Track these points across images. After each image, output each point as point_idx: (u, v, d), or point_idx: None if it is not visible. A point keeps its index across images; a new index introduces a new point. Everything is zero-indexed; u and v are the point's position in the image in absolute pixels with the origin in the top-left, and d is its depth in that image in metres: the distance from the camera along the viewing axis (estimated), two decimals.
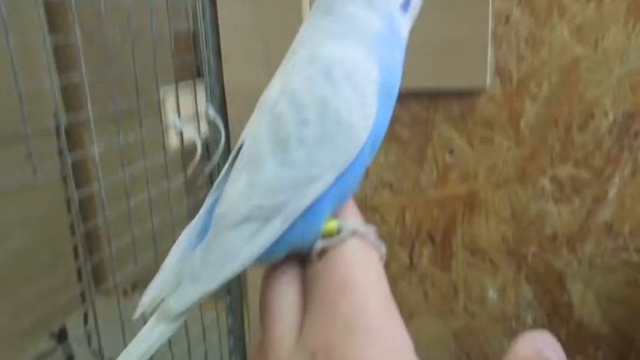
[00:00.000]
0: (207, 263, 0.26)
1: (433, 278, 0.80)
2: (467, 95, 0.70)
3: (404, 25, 0.30)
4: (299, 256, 0.28)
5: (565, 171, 0.69)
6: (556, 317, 0.75)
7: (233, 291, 0.91)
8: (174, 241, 0.29)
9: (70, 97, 0.74)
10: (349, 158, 0.27)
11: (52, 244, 0.55)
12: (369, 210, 0.79)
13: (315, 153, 0.26)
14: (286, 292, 0.26)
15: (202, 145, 0.76)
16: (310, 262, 0.27)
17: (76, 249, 0.61)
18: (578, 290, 0.73)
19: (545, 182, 0.70)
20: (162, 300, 0.27)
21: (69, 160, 0.55)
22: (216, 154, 0.81)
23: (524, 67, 0.68)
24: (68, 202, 0.57)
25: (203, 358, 0.83)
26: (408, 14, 0.30)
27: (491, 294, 0.77)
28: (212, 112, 0.80)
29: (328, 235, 0.26)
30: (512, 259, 0.74)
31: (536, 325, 0.76)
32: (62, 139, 0.55)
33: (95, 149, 0.59)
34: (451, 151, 0.73)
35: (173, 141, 0.74)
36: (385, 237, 0.79)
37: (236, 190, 0.27)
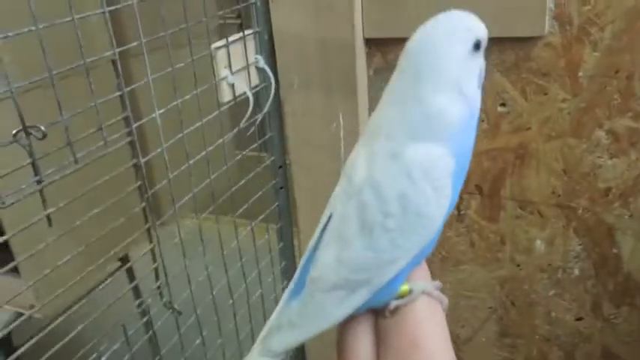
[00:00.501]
0: (302, 317, 0.32)
1: (480, 228, 0.80)
2: (522, 42, 0.68)
3: (478, 101, 0.32)
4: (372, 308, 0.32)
5: (623, 123, 0.66)
6: (604, 269, 0.75)
7: (283, 217, 0.93)
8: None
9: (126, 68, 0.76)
10: (427, 241, 0.31)
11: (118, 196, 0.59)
12: None
13: (397, 240, 0.30)
14: (361, 341, 0.31)
15: (253, 96, 0.78)
16: (383, 316, 0.31)
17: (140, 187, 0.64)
18: (628, 244, 0.72)
19: (601, 135, 0.68)
20: (265, 337, 0.33)
21: (133, 126, 0.58)
22: (267, 104, 0.83)
23: (586, 11, 0.64)
24: (135, 166, 0.60)
25: (256, 280, 0.88)
26: (480, 89, 0.33)
27: (539, 245, 0.77)
28: (262, 62, 0.80)
29: (401, 295, 0.31)
30: (562, 212, 0.74)
31: (583, 275, 0.77)
32: (127, 109, 0.57)
33: (156, 112, 0.61)
34: (503, 103, 0.72)
35: (225, 95, 0.76)
36: None
37: (327, 260, 0.31)
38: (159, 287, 0.71)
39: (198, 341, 0.82)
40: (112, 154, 0.56)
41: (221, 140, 0.74)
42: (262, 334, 0.34)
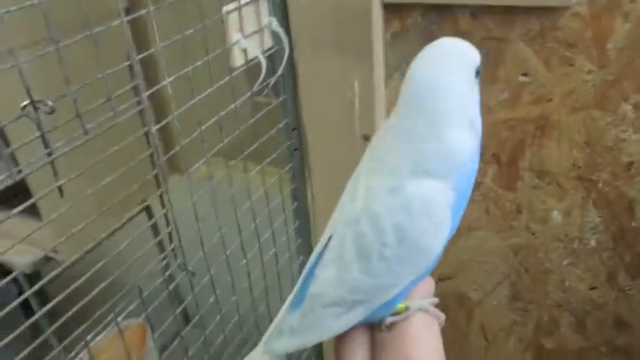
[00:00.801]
0: (302, 327, 0.33)
1: (496, 197, 0.79)
2: (548, 11, 0.64)
3: (480, 118, 0.33)
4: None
5: None
6: (622, 242, 0.74)
7: (295, 157, 0.93)
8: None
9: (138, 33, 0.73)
10: (425, 269, 0.32)
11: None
12: None
13: (393, 268, 0.31)
14: (357, 353, 0.32)
15: (266, 60, 0.75)
16: (380, 330, 0.32)
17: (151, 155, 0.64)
18: None
19: (627, 109, 0.65)
20: (268, 339, 0.36)
21: (143, 95, 0.57)
22: (280, 67, 0.80)
23: None
24: (146, 135, 0.60)
25: (267, 220, 0.87)
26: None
27: (556, 215, 0.76)
28: (275, 24, 0.77)
29: (397, 312, 0.32)
30: (582, 185, 0.72)
31: (600, 247, 0.76)
32: (137, 77, 0.56)
33: (166, 79, 0.60)
34: (525, 73, 0.68)
35: (237, 59, 0.74)
36: None
37: (327, 279, 0.33)
38: (173, 249, 0.73)
39: (212, 299, 0.84)
40: (126, 122, 0.56)
41: (233, 105, 0.73)
42: (266, 335, 0.36)
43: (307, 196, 0.98)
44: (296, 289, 0.35)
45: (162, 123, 0.61)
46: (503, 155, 0.76)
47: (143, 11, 0.57)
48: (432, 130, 0.30)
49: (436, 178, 0.30)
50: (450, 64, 0.31)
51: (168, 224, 0.75)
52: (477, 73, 0.32)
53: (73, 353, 0.63)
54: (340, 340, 0.34)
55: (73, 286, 0.57)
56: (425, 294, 0.33)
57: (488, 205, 0.80)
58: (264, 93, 0.81)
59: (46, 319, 0.56)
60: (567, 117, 0.69)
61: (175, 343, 0.78)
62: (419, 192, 0.30)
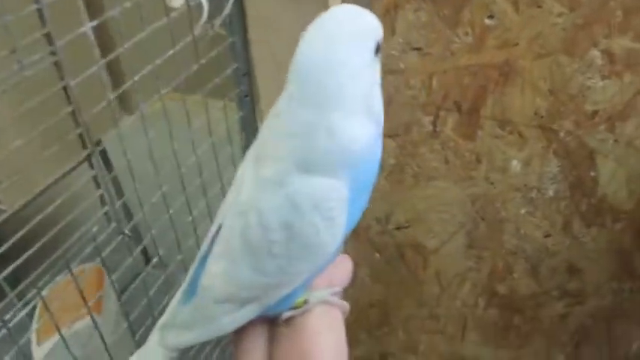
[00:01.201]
0: (194, 321, 0.31)
1: (456, 146, 0.76)
2: None
3: (381, 107, 0.28)
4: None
5: (621, 44, 0.60)
6: (578, 190, 0.73)
7: (245, 103, 0.86)
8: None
9: None
10: (318, 266, 0.29)
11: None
12: (392, 73, 0.72)
13: (284, 266, 0.28)
14: (255, 348, 0.30)
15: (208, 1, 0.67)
16: (277, 324, 0.30)
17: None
18: (608, 168, 0.70)
19: (596, 55, 0.62)
20: (161, 328, 0.32)
21: (58, 44, 0.48)
22: (225, 8, 0.72)
23: None
24: (64, 89, 0.52)
25: (210, 153, 0.80)
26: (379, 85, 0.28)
27: (515, 165, 0.74)
28: None
29: (296, 306, 0.29)
30: (543, 134, 0.70)
31: (557, 196, 0.75)
32: (46, 24, 0.48)
33: (88, 25, 0.51)
34: (491, 16, 0.64)
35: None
36: (408, 102, 0.74)
37: (216, 272, 0.29)
38: (106, 213, 0.66)
39: (155, 260, 0.79)
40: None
41: (171, 52, 0.65)
42: (159, 323, 0.33)
43: (255, 106, 0.92)
44: (187, 279, 0.32)
45: (84, 75, 0.53)
46: (465, 103, 0.72)
47: None
48: (320, 119, 0.26)
49: (325, 174, 0.27)
50: (342, 39, 0.26)
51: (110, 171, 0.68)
52: (378, 48, 0.27)
53: (26, 299, 0.57)
54: (237, 334, 0.31)
55: (25, 228, 0.51)
56: (335, 281, 0.30)
57: (447, 154, 0.78)
58: (211, 32, 0.73)
59: None
60: (532, 63, 0.65)
61: (134, 285, 0.73)
62: (307, 188, 0.27)
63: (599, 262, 0.79)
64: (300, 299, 0.29)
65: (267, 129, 0.29)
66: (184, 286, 0.32)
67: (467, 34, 0.66)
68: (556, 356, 0.94)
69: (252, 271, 0.28)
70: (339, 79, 0.26)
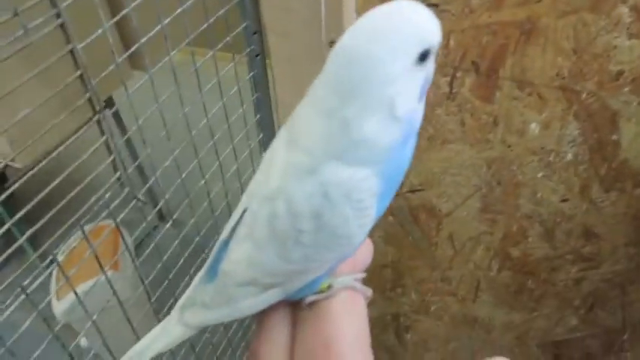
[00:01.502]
0: (215, 302, 0.31)
1: (473, 108, 0.74)
2: None
3: (420, 112, 0.28)
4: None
5: None
6: (598, 154, 0.71)
7: (256, 63, 0.84)
8: None
9: None
10: (345, 256, 0.29)
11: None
12: None
13: (311, 255, 0.28)
14: (278, 331, 0.30)
15: None
16: (301, 307, 0.30)
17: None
18: (630, 131, 0.67)
19: (624, 11, 0.59)
20: (182, 306, 0.32)
21: (61, 6, 0.47)
22: None
23: None
24: (71, 53, 0.50)
25: (222, 113, 0.79)
26: (423, 99, 0.28)
27: (533, 127, 0.72)
28: None
29: (320, 290, 0.29)
30: (564, 95, 0.67)
31: (576, 160, 0.73)
32: None
33: None
34: None
35: None
36: None
37: (239, 257, 0.29)
38: (119, 178, 0.66)
39: (169, 224, 0.79)
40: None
41: (180, 10, 0.63)
42: (180, 302, 0.33)
43: (271, 105, 0.91)
44: (209, 261, 0.32)
45: (91, 38, 0.51)
46: (483, 63, 0.69)
47: None
48: (342, 113, 0.26)
49: (356, 164, 0.27)
50: (384, 38, 0.26)
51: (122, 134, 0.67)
52: (424, 56, 0.26)
53: (47, 261, 0.58)
54: (259, 316, 0.31)
55: (45, 191, 0.52)
56: (359, 266, 0.30)
57: (464, 116, 0.75)
58: None
59: (15, 227, 0.50)
60: (556, 21, 0.62)
61: (152, 245, 0.74)
62: (337, 177, 0.26)
63: (616, 227, 0.78)
64: (324, 284, 0.29)
65: (301, 111, 0.28)
66: (206, 266, 0.32)
67: None
68: (569, 319, 0.94)
69: (278, 258, 0.28)
70: (366, 83, 0.26)
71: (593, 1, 0.59)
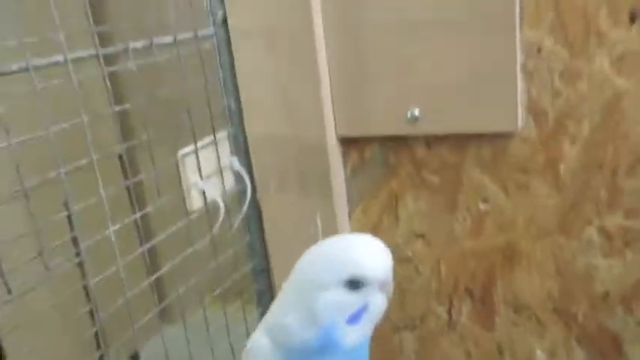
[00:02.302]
0: None
1: (475, 337, 0.73)
2: (498, 137, 0.64)
3: (351, 334, 0.34)
4: None
5: (614, 221, 0.60)
6: None
7: (264, 300, 0.86)
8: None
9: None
10: None
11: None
12: (401, 262, 0.74)
13: None
14: None
15: (225, 201, 0.75)
16: None
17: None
18: (637, 355, 0.63)
19: (593, 233, 0.62)
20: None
21: (82, 249, 0.55)
22: (244, 206, 0.80)
23: (561, 104, 0.60)
24: (84, 289, 0.57)
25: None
26: (361, 323, 0.35)
27: (540, 356, 0.69)
28: (237, 164, 0.78)
29: None
30: (560, 318, 0.66)
31: None
32: (74, 229, 0.55)
33: (110, 229, 0.58)
34: (485, 200, 0.67)
35: (195, 202, 0.73)
36: (420, 291, 0.74)
37: None
38: None
39: None
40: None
41: (191, 249, 0.71)
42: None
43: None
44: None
45: (99, 278, 0.58)
46: (476, 289, 0.71)
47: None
48: (285, 305, 0.37)
49: (272, 338, 0.37)
50: (321, 260, 0.36)
51: None
52: (354, 285, 0.34)
53: None
54: None
55: None
56: None
57: (468, 346, 0.74)
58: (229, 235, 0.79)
59: None
60: (534, 244, 0.65)
61: None
62: (252, 339, 0.38)
63: None
64: None
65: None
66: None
67: (465, 219, 0.69)
68: None
69: None
70: (307, 281, 0.35)
71: (562, 225, 0.63)
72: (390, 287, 0.36)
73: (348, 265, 0.34)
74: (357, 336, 0.34)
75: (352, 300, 0.34)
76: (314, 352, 0.34)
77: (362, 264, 0.34)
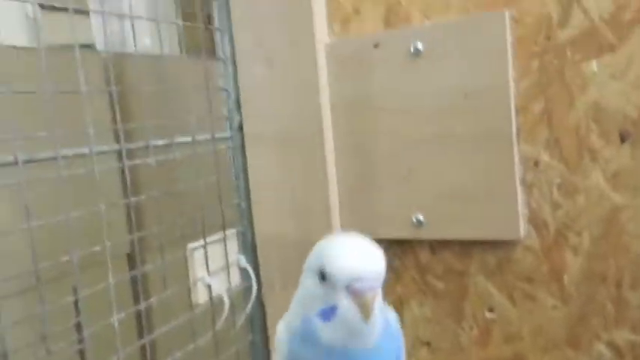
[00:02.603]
0: None
1: None
2: (502, 245, 0.65)
3: (326, 331, 0.35)
4: None
5: (622, 336, 0.59)
6: None
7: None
8: None
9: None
10: None
11: None
12: None
13: None
14: None
15: (231, 297, 0.75)
16: None
17: None
18: None
19: (602, 348, 0.60)
20: None
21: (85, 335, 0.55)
22: (249, 305, 0.79)
23: (561, 215, 0.61)
24: None
25: None
26: (332, 322, 0.35)
27: None
28: (244, 261, 0.79)
29: None
30: None
31: None
32: (80, 314, 0.56)
33: (115, 318, 0.58)
34: (491, 309, 0.66)
35: (201, 296, 0.74)
36: None
37: None
38: None
39: None
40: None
41: (192, 345, 0.70)
42: None
43: None
44: None
45: None
46: None
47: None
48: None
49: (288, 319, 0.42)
50: (310, 256, 0.39)
51: None
52: (322, 277, 0.36)
53: None
54: None
55: None
56: None
57: None
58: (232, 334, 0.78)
59: None
60: (542, 357, 0.63)
61: None
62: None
63: None
64: None
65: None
66: None
67: (471, 327, 0.67)
68: None
69: None
70: (299, 289, 0.40)
71: (570, 338, 0.62)
72: (363, 299, 0.33)
73: (321, 257, 0.36)
74: (334, 335, 0.35)
75: (320, 292, 0.35)
76: (305, 341, 0.37)
77: (331, 259, 0.35)
